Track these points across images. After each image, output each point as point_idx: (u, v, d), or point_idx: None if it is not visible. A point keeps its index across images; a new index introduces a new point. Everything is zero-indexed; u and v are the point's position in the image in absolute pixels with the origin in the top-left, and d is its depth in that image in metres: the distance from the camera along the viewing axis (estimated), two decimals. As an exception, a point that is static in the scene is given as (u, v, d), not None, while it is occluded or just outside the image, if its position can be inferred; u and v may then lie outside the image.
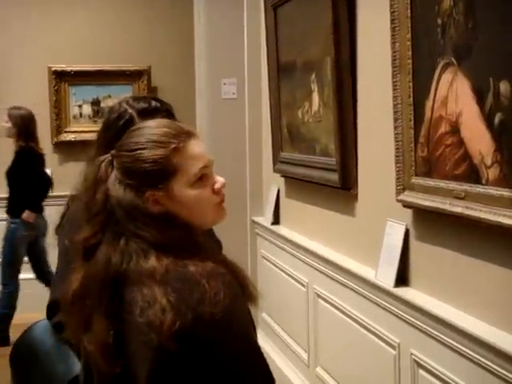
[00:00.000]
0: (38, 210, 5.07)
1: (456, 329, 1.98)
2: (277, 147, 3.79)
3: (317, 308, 3.22)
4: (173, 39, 5.92)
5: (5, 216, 5.11)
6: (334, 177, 2.91)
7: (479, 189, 1.87)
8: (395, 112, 2.29)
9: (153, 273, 1.25)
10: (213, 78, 4.59)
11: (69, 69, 5.87)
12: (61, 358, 1.75)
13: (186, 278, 1.24)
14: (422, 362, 2.20)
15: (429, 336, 2.14)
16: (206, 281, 1.23)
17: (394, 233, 2.42)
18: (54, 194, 5.70)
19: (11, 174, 4.98)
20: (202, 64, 4.65)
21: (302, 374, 3.50)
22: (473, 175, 1.90)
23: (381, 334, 2.50)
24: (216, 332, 1.22)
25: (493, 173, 1.81)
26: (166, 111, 2.20)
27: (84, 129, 5.84)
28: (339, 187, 2.90)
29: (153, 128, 1.40)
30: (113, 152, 1.39)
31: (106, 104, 5.82)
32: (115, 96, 5.61)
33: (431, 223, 2.22)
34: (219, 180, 1.41)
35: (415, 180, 2.23)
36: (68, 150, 5.87)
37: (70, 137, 5.92)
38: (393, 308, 2.39)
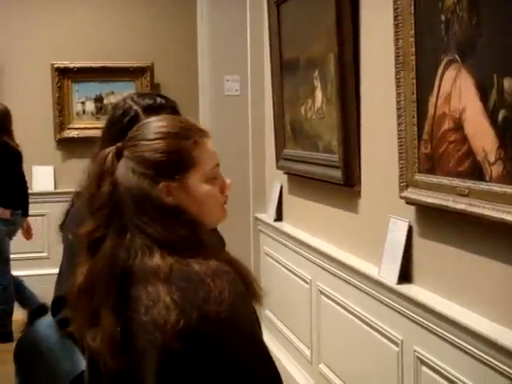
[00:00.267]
0: (13, 206, 4.97)
1: (459, 326, 1.98)
2: (280, 144, 3.79)
3: (320, 305, 3.22)
4: (176, 36, 5.92)
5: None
6: (337, 173, 2.91)
7: (483, 186, 1.87)
8: (398, 109, 2.29)
9: (157, 271, 1.25)
10: (216, 75, 4.59)
11: (72, 65, 5.87)
12: (65, 354, 1.75)
13: (190, 277, 1.24)
14: (424, 359, 2.20)
15: (432, 333, 2.14)
16: (211, 279, 1.23)
17: (397, 230, 2.42)
18: (57, 190, 5.74)
19: None
20: (205, 61, 4.65)
21: (305, 371, 3.50)
22: (476, 172, 1.90)
23: (384, 331, 2.51)
24: (222, 331, 1.22)
25: (496, 170, 1.81)
26: (170, 108, 2.20)
27: (87, 125, 5.85)
28: (342, 184, 2.90)
29: (172, 120, 1.41)
30: (119, 144, 1.38)
31: (109, 101, 5.82)
32: (118, 93, 5.61)
33: (434, 220, 2.22)
34: (227, 181, 1.42)
35: (418, 177, 2.23)
36: (71, 146, 5.88)
37: (73, 133, 5.92)
38: (396, 305, 2.39)
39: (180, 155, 1.34)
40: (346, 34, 2.75)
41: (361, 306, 2.72)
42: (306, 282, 3.40)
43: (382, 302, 2.51)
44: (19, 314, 4.61)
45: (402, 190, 2.32)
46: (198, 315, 1.20)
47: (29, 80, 5.84)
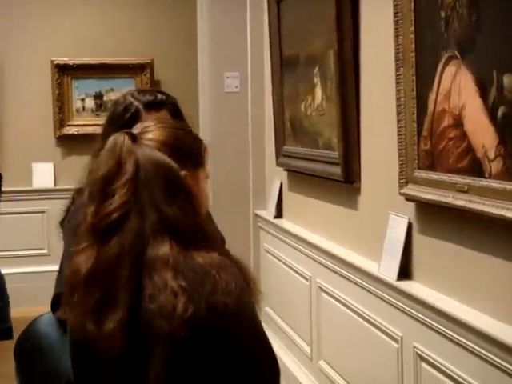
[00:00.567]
0: None
1: (459, 322, 1.99)
2: (279, 141, 3.79)
3: (320, 301, 3.22)
4: (176, 32, 5.91)
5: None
6: (337, 170, 2.91)
7: (482, 182, 1.87)
8: (398, 105, 2.29)
9: (165, 260, 1.25)
10: (216, 72, 4.59)
11: (71, 62, 5.86)
12: (66, 351, 1.75)
13: (195, 269, 1.25)
14: (424, 356, 2.20)
15: (431, 329, 2.14)
16: (216, 272, 1.25)
17: (397, 226, 2.43)
18: (57, 187, 5.74)
19: None
20: (205, 57, 4.65)
21: (305, 368, 3.51)
22: (476, 168, 1.90)
23: (383, 328, 2.51)
24: (229, 324, 1.23)
25: (496, 166, 1.81)
26: (171, 104, 2.20)
27: (87, 122, 5.84)
28: (342, 181, 2.90)
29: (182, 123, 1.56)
30: (128, 130, 1.38)
31: (109, 98, 5.82)
32: (118, 89, 5.60)
33: (434, 217, 2.23)
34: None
35: (418, 173, 2.23)
36: (71, 143, 5.87)
37: (73, 130, 5.91)
38: (395, 301, 2.39)
39: (199, 151, 1.45)
40: (346, 31, 2.75)
41: (361, 303, 2.73)
42: (306, 279, 3.40)
43: (381, 299, 2.51)
44: (22, 312, 4.62)
45: (401, 186, 2.32)
46: (206, 306, 1.21)
47: (28, 77, 5.83)
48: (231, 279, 1.25)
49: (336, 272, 2.98)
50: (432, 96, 2.11)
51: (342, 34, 2.76)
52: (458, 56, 1.96)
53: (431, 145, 2.15)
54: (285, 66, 3.64)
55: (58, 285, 1.89)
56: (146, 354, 1.24)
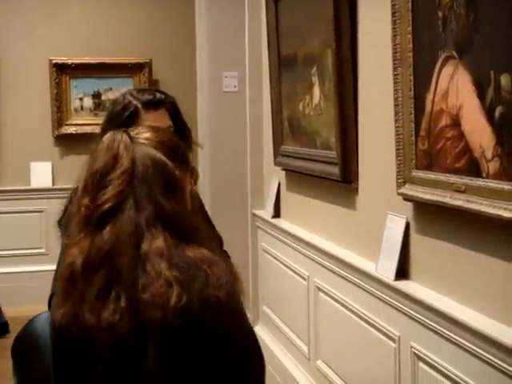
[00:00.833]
0: None
1: (456, 322, 1.99)
2: (277, 140, 3.79)
3: (317, 301, 3.23)
4: (174, 32, 5.91)
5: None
6: (335, 170, 2.91)
7: (479, 182, 1.87)
8: (396, 105, 2.30)
9: (159, 252, 1.27)
10: (214, 71, 4.59)
11: (70, 61, 5.86)
12: None
13: (189, 262, 1.27)
14: (421, 355, 2.21)
15: (429, 329, 2.15)
16: (208, 266, 1.27)
17: (395, 226, 2.43)
18: (55, 186, 5.74)
19: None
20: (204, 57, 4.65)
21: (302, 367, 3.51)
22: (473, 168, 1.90)
23: (381, 327, 2.51)
24: (222, 318, 1.25)
25: (493, 166, 1.81)
26: (170, 103, 2.21)
27: (85, 122, 5.84)
28: (340, 180, 2.90)
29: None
30: (125, 129, 1.40)
31: (107, 97, 5.82)
32: (116, 89, 5.62)
33: (432, 216, 2.23)
34: None
35: (416, 173, 2.23)
36: (69, 142, 5.88)
37: (71, 130, 5.92)
38: (393, 301, 2.39)
39: (188, 158, 1.48)
40: (344, 30, 2.75)
41: (358, 303, 2.73)
42: (304, 279, 3.40)
43: (379, 299, 2.51)
44: (20, 312, 4.61)
45: (399, 186, 2.32)
46: (199, 299, 1.23)
47: (27, 76, 5.84)
48: (222, 274, 1.28)
49: (334, 272, 2.98)
50: (430, 96, 2.11)
51: (339, 34, 2.76)
52: (456, 56, 1.96)
53: (429, 145, 2.15)
54: (283, 65, 3.64)
55: (55, 284, 1.89)
56: (141, 343, 1.25)
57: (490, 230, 1.89)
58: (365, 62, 2.71)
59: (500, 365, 1.78)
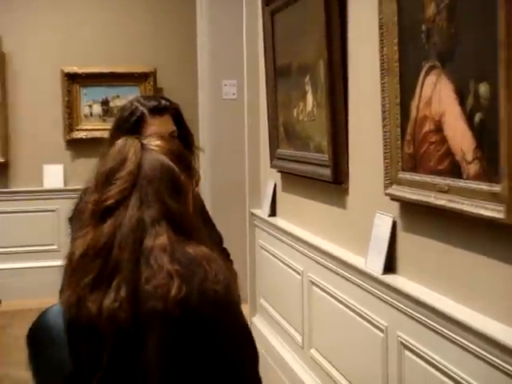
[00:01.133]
0: None
1: (439, 313, 1.99)
2: (273, 144, 3.79)
3: (311, 294, 3.23)
4: (177, 44, 5.92)
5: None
6: (327, 172, 2.91)
7: (461, 183, 1.88)
8: (383, 111, 2.30)
9: (162, 248, 1.27)
10: (214, 80, 4.60)
11: (80, 71, 5.89)
12: None
13: (189, 258, 1.27)
14: (407, 344, 2.21)
15: (414, 320, 2.15)
16: (206, 262, 1.27)
17: (383, 224, 2.43)
18: (67, 187, 5.75)
19: None
20: (205, 67, 4.66)
21: (297, 356, 3.51)
22: (455, 170, 1.91)
23: (370, 318, 2.52)
24: (220, 312, 1.25)
25: (473, 168, 1.82)
26: (174, 109, 2.21)
27: (94, 127, 5.85)
28: (331, 182, 2.91)
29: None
30: (137, 136, 1.43)
31: (115, 104, 5.83)
32: (123, 96, 5.62)
33: (417, 215, 2.23)
34: None
35: (402, 175, 2.23)
36: (79, 146, 5.89)
37: (82, 134, 5.93)
38: (381, 294, 2.40)
39: (194, 168, 1.50)
40: (335, 43, 2.76)
41: (349, 295, 2.73)
42: (298, 273, 3.41)
43: (368, 292, 2.52)
44: (34, 304, 4.61)
45: (386, 187, 2.33)
46: (198, 292, 1.23)
47: (40, 85, 5.86)
48: (220, 270, 1.28)
49: (326, 267, 2.98)
50: (414, 103, 2.12)
51: (331, 45, 2.77)
52: (439, 66, 1.97)
53: (414, 148, 2.15)
54: (278, 74, 3.64)
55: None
56: (142, 332, 1.25)
57: (471, 228, 1.90)
58: (355, 72, 2.71)
59: (479, 352, 1.79)
